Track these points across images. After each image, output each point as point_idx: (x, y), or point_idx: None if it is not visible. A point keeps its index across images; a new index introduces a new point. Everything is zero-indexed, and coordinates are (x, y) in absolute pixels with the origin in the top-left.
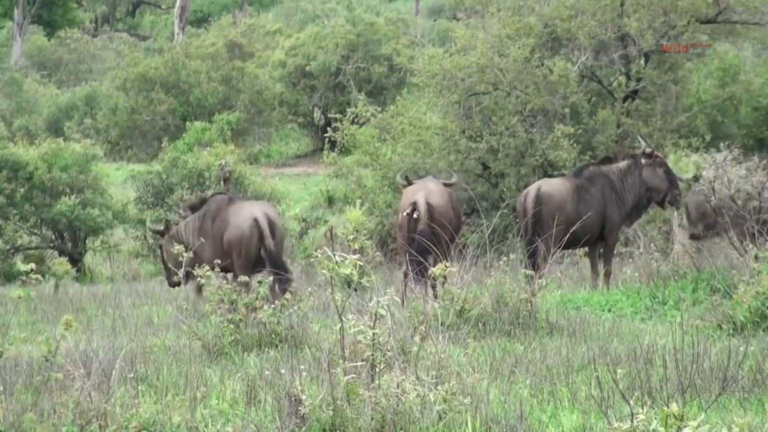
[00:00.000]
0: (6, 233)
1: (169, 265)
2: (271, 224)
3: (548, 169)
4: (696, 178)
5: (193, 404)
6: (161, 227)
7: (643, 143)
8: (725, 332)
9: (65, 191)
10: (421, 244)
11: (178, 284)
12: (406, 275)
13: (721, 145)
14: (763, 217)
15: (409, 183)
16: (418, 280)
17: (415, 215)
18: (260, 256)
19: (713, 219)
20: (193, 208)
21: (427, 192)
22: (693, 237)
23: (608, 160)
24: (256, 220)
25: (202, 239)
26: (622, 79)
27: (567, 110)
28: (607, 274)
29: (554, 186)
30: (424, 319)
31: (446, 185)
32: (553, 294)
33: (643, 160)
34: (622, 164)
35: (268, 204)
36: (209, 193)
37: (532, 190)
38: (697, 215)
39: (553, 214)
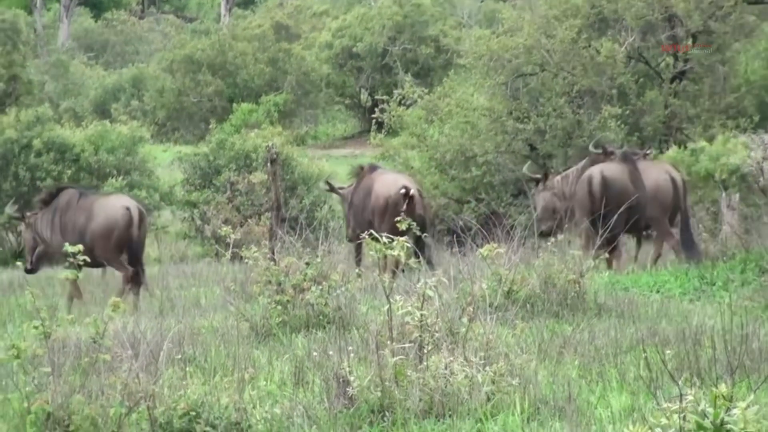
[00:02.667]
0: None
1: (26, 251)
2: (141, 215)
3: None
4: (545, 177)
5: (241, 385)
6: (19, 214)
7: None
8: None
9: (112, 173)
10: (420, 227)
11: (33, 271)
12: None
13: None
14: None
15: (332, 188)
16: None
17: (411, 192)
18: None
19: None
20: (45, 202)
21: (407, 177)
22: (542, 234)
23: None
24: (128, 209)
25: (52, 232)
26: (670, 59)
27: (614, 91)
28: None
29: (616, 170)
30: (472, 300)
31: None
32: (602, 275)
33: None
34: None
35: (133, 197)
36: (60, 185)
37: (596, 174)
38: (544, 213)
39: (619, 198)
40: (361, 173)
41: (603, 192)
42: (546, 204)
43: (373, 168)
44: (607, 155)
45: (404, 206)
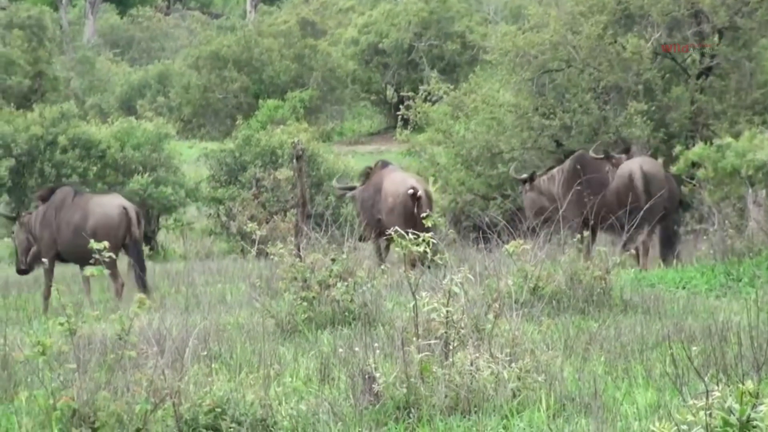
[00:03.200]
0: None
1: (19, 252)
2: (138, 215)
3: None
4: (531, 178)
5: (266, 382)
6: (13, 214)
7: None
8: None
9: (138, 169)
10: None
11: (26, 272)
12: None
13: None
14: None
15: (342, 191)
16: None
17: (418, 193)
18: (125, 244)
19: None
20: (43, 199)
21: (417, 178)
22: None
23: None
24: (125, 209)
25: (43, 228)
26: (696, 55)
27: (640, 87)
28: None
29: (653, 165)
30: (498, 296)
31: None
32: (627, 271)
33: None
34: None
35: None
36: (65, 182)
37: (636, 169)
38: (531, 211)
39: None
40: (370, 172)
41: (646, 186)
42: (533, 203)
43: (384, 164)
44: (608, 159)
45: (414, 208)
